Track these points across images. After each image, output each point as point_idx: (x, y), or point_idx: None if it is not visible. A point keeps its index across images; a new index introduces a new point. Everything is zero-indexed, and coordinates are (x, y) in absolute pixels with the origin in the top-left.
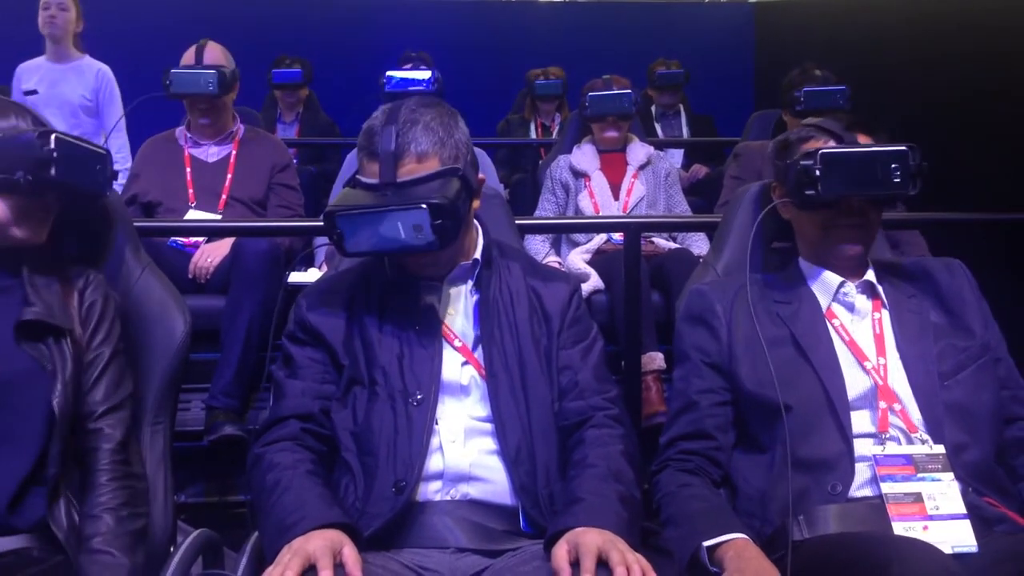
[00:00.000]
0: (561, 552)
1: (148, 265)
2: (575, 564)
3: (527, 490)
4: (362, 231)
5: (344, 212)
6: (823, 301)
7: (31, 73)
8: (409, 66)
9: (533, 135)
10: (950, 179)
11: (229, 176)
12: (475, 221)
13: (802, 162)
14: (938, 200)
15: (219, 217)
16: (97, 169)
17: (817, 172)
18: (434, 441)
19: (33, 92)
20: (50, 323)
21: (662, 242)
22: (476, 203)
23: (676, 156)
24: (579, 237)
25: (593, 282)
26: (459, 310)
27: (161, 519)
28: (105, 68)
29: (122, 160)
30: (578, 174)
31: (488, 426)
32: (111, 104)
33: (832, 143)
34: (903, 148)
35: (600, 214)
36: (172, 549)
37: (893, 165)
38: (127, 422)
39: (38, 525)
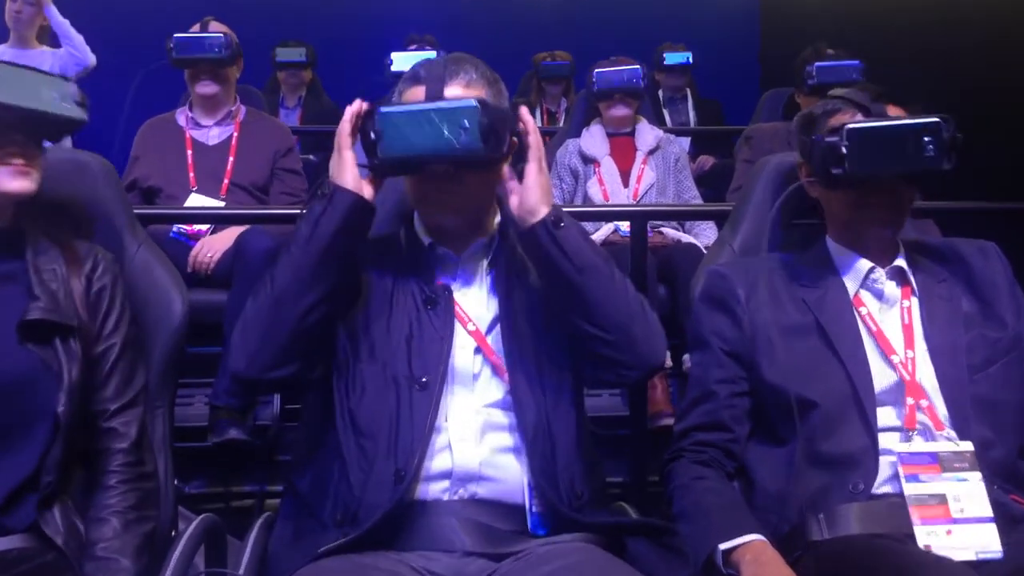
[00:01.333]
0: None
1: (144, 242)
2: None
3: (547, 474)
4: (402, 132)
5: (387, 108)
6: (851, 287)
7: None
8: (414, 47)
9: (538, 121)
10: (963, 167)
11: (231, 159)
12: (494, 202)
13: (827, 139)
14: (952, 188)
15: (222, 204)
16: (55, 95)
17: (844, 149)
18: (442, 439)
19: None
20: (56, 322)
21: (671, 232)
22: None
23: (684, 144)
24: (586, 226)
25: None
26: (474, 290)
27: (162, 505)
28: (56, 50)
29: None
30: (587, 160)
31: (502, 414)
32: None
33: (859, 116)
34: (936, 120)
35: (610, 202)
36: (173, 534)
37: (926, 138)
38: (140, 418)
39: (32, 526)
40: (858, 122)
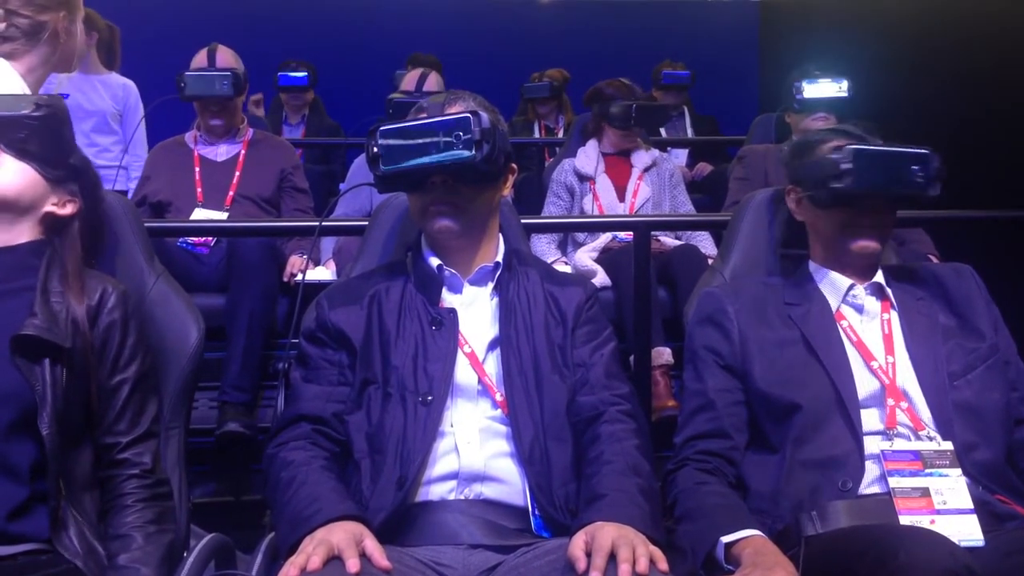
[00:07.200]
0: (579, 542)
1: (162, 274)
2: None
3: (543, 489)
4: (401, 147)
5: (386, 127)
6: (832, 303)
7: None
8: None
9: (536, 134)
10: (956, 176)
11: (237, 174)
12: (497, 230)
13: (831, 155)
14: (944, 197)
15: (225, 215)
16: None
17: (845, 166)
18: (448, 442)
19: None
20: (48, 340)
21: (668, 240)
22: (506, 190)
23: (681, 156)
24: (584, 238)
25: (600, 279)
26: (478, 313)
27: (178, 522)
28: (130, 83)
29: (138, 168)
30: (583, 177)
31: (503, 427)
32: (134, 117)
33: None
34: (926, 151)
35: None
36: (185, 554)
37: (915, 167)
38: (154, 448)
39: (46, 541)
40: (860, 143)
